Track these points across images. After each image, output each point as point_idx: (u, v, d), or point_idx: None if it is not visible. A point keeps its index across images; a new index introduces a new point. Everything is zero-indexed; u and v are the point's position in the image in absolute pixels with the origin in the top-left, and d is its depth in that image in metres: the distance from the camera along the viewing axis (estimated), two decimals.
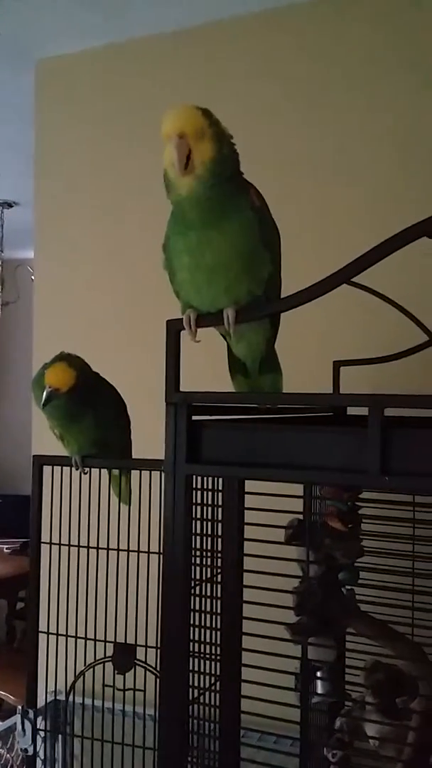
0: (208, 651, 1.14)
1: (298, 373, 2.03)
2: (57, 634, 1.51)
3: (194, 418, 1.01)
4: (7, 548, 4.57)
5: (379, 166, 2.01)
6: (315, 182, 2.06)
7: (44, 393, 1.40)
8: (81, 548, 1.49)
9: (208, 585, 1.14)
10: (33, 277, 2.53)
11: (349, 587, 1.39)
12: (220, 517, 1.17)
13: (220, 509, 1.17)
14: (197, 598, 1.10)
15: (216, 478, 1.15)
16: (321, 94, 2.08)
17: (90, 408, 1.46)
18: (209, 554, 1.15)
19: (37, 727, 1.57)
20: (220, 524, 1.17)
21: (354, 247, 0.93)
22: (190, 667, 1.06)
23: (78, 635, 1.49)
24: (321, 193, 2.06)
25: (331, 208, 2.05)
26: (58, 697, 1.93)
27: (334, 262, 0.92)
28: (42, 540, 1.52)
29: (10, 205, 4.30)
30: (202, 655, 1.11)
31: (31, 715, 1.53)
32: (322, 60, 2.09)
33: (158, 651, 1.08)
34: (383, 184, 2.00)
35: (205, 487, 1.13)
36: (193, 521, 1.06)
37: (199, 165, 0.96)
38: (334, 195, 2.05)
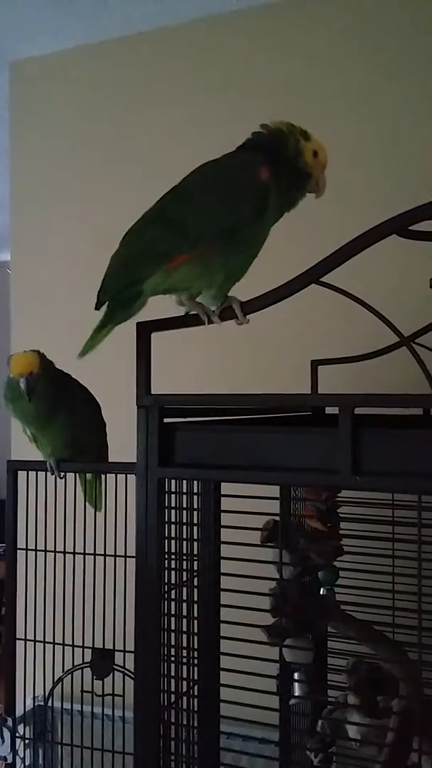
0: (185, 655, 1.12)
1: (276, 371, 2.05)
2: (35, 641, 1.49)
3: (166, 420, 1.00)
4: None
5: (353, 164, 2.01)
6: None
7: (22, 385, 1.37)
8: (57, 554, 1.48)
9: (185, 588, 1.13)
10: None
11: (328, 587, 1.38)
12: (196, 521, 1.16)
13: (196, 512, 1.16)
14: (173, 602, 1.09)
15: (190, 481, 1.14)
16: (303, 99, 2.08)
17: (62, 406, 1.44)
18: (186, 558, 1.14)
19: (18, 734, 1.55)
20: (196, 527, 1.16)
21: (324, 246, 0.92)
22: (166, 672, 1.05)
23: (56, 641, 1.48)
24: None
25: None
26: (40, 704, 1.91)
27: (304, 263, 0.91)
28: (18, 546, 1.50)
29: None
30: (179, 660, 1.10)
31: (9, 722, 1.52)
32: (304, 60, 2.09)
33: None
34: (359, 184, 2.00)
35: (181, 490, 1.12)
36: (170, 525, 1.05)
37: None
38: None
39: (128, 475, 1.41)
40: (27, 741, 1.72)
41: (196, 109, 2.20)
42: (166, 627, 1.05)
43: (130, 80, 2.29)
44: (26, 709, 1.87)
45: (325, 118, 2.04)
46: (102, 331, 0.98)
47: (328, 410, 1.53)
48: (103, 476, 1.55)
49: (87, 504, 1.53)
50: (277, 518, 1.25)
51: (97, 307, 0.98)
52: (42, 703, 1.64)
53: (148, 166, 2.25)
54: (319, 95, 2.07)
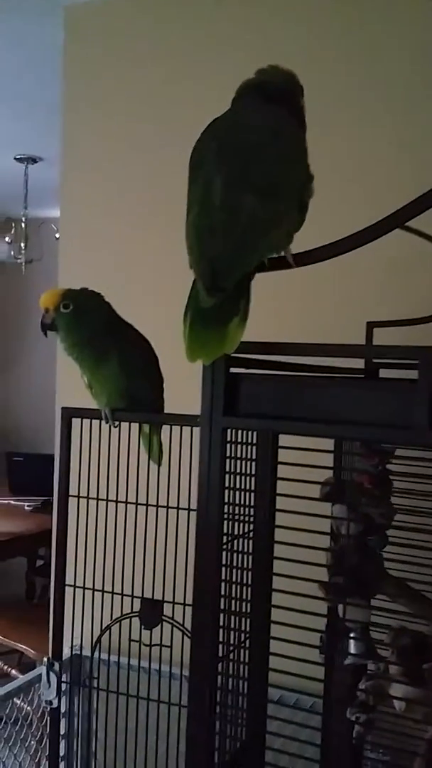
0: (238, 607, 1.12)
1: (328, 333, 2.01)
2: (84, 588, 1.50)
3: (232, 370, 0.98)
4: (27, 506, 4.61)
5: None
6: (345, 132, 2.01)
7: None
8: (109, 502, 1.48)
9: (240, 540, 1.12)
10: (57, 235, 2.49)
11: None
12: (253, 472, 1.15)
13: (253, 463, 1.15)
14: (229, 553, 1.08)
15: (249, 432, 1.13)
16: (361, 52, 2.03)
17: (113, 351, 1.43)
18: (242, 509, 1.13)
19: (64, 679, 1.58)
20: (253, 479, 1.15)
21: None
22: (221, 623, 1.05)
23: (105, 589, 1.48)
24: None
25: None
26: (80, 652, 1.93)
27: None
28: (70, 493, 1.51)
29: (34, 161, 4.23)
30: (232, 612, 1.10)
31: (56, 667, 1.54)
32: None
33: (185, 607, 1.07)
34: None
35: (238, 440, 1.11)
36: (229, 475, 1.04)
37: None
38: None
39: (183, 428, 1.40)
40: (69, 687, 1.75)
41: (251, 56, 2.13)
42: (223, 578, 1.04)
43: (188, 24, 2.23)
44: (73, 654, 1.89)
45: (380, 72, 1.99)
46: (231, 326, 0.89)
47: (382, 374, 1.50)
48: (160, 429, 1.53)
49: (141, 454, 1.51)
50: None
51: (215, 293, 0.86)
52: (85, 652, 1.66)
53: (200, 115, 2.20)
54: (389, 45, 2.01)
